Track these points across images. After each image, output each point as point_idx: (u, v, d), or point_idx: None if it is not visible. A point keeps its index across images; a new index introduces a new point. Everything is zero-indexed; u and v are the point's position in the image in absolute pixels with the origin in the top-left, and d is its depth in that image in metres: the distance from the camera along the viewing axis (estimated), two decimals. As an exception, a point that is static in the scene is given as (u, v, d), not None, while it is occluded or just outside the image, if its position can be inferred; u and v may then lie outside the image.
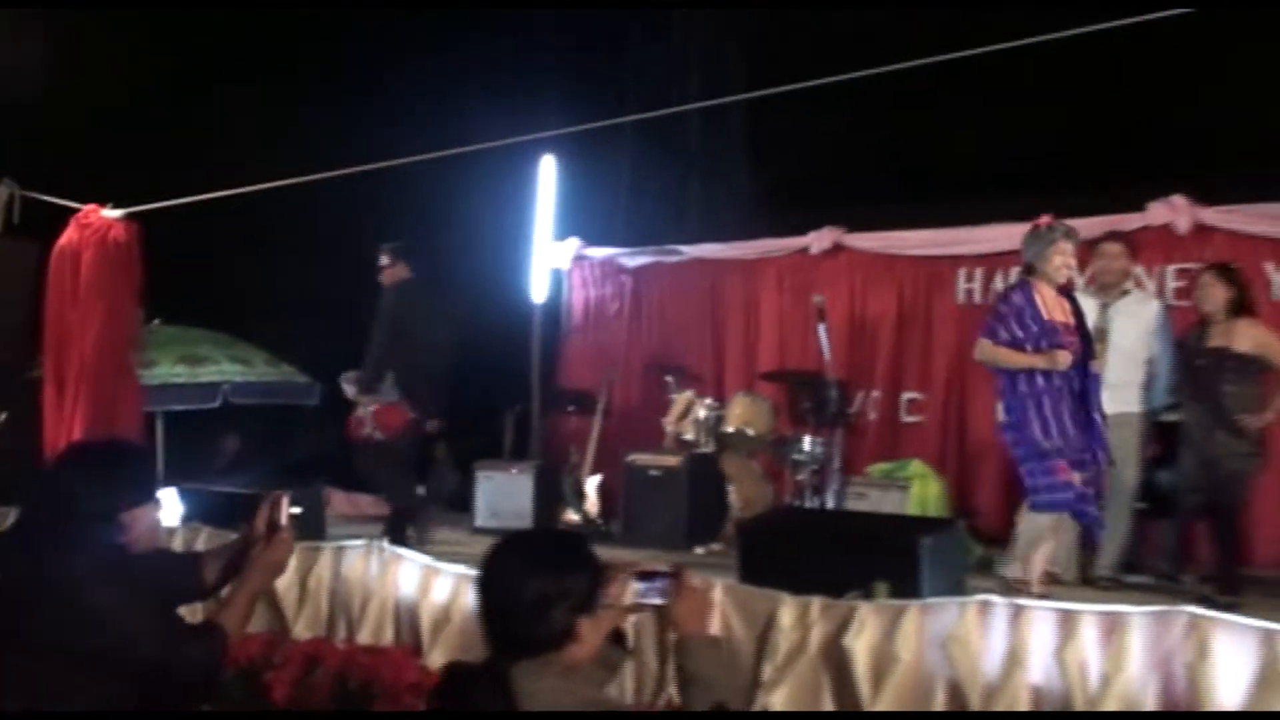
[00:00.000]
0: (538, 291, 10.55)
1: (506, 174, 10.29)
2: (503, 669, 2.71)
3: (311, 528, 7.38)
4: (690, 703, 2.91)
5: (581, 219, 10.85)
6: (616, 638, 3.04)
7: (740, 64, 11.36)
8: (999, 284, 9.16)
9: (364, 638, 6.60)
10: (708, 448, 8.64)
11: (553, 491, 9.10)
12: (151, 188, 8.35)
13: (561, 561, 2.84)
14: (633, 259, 10.72)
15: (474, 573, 6.30)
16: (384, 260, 8.06)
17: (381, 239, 8.14)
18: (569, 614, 2.75)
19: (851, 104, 9.14)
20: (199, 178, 8.20)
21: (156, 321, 10.21)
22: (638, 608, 2.97)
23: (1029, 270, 6.34)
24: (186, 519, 7.80)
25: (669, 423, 8.88)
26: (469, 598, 6.40)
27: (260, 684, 6.37)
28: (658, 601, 2.98)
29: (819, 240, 9.86)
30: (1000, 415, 6.29)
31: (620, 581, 2.92)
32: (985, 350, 6.18)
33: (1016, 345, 6.04)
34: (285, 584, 6.86)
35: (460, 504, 9.15)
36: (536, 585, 2.76)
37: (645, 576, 2.98)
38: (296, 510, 3.58)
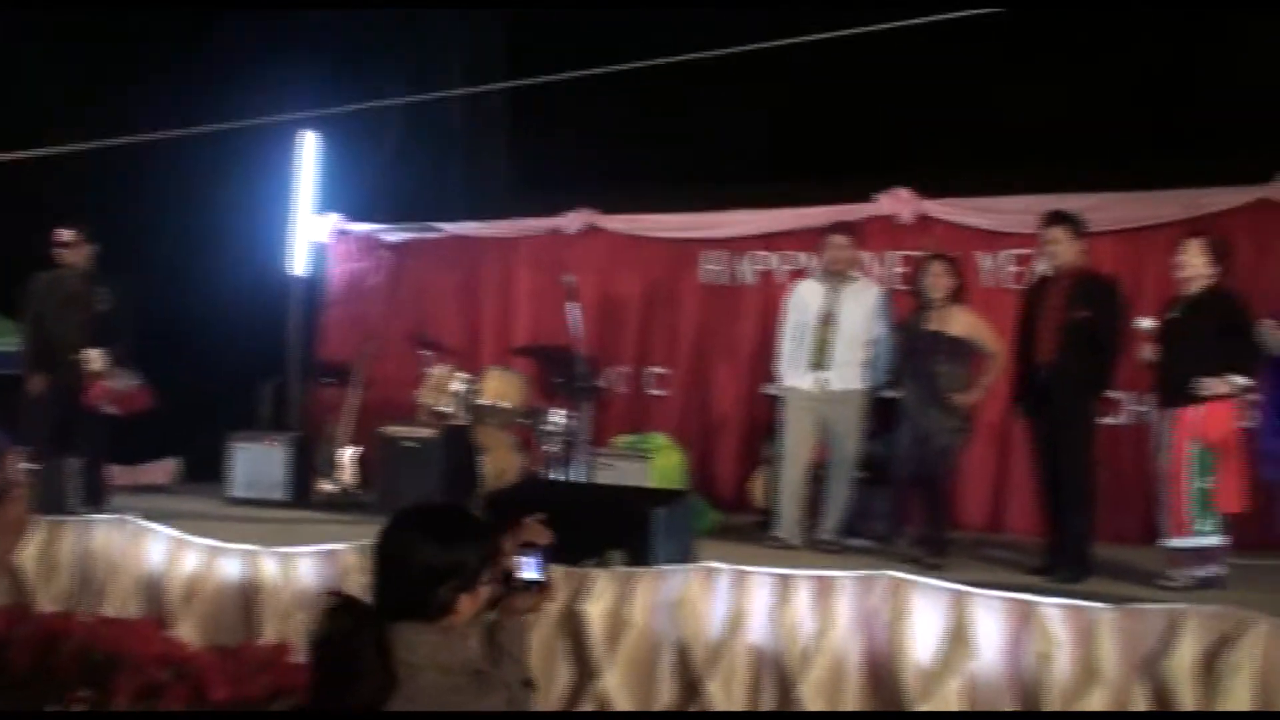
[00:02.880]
0: (297, 265, 10.36)
1: (267, 148, 10.05)
2: (383, 623, 2.78)
3: (52, 502, 7.11)
4: (502, 673, 2.98)
5: (344, 194, 10.68)
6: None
7: (502, 45, 11.32)
8: (743, 266, 9.45)
9: (109, 611, 6.42)
10: (462, 420, 8.65)
11: (309, 462, 8.99)
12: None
13: (456, 538, 2.88)
14: (393, 235, 10.62)
15: (225, 545, 6.29)
16: (70, 238, 7.85)
17: (127, 214, 7.89)
18: (453, 591, 2.82)
19: (607, 90, 9.21)
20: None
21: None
22: (517, 583, 3.02)
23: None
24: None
25: (424, 395, 8.86)
26: (220, 570, 6.30)
27: (3, 658, 6.14)
28: (536, 577, 3.02)
29: (573, 221, 9.96)
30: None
31: (507, 553, 3.00)
32: None
33: None
34: (29, 558, 6.62)
35: (214, 474, 8.93)
36: (428, 558, 2.82)
37: (527, 549, 3.02)
38: (31, 466, 3.45)
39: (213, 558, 6.29)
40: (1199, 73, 8.57)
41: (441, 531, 2.90)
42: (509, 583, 3.02)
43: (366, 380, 9.42)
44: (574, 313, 8.20)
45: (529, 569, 3.03)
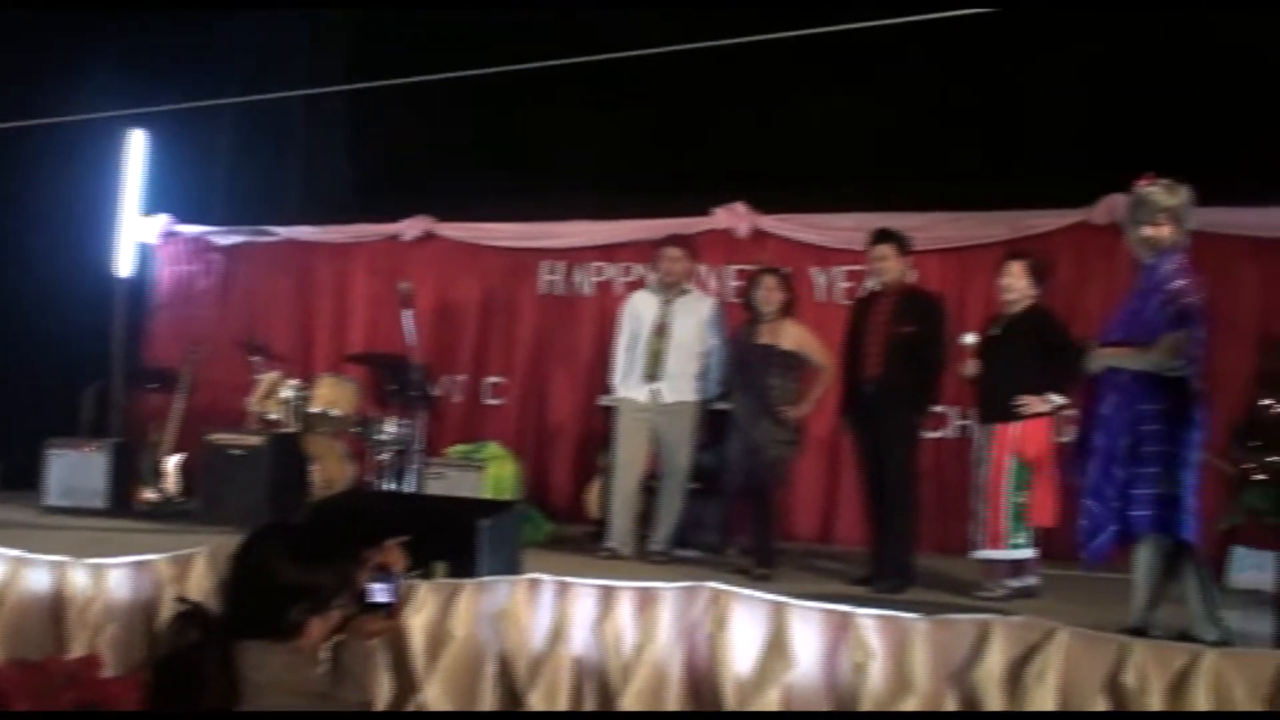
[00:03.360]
0: (123, 266, 10.01)
1: (95, 146, 9.72)
2: (229, 641, 2.71)
3: None
4: (344, 697, 2.91)
5: (176, 195, 10.36)
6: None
7: (344, 48, 11.13)
8: (580, 277, 9.42)
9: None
10: (292, 428, 8.46)
11: (130, 470, 8.68)
12: None
13: (317, 559, 2.83)
14: (225, 238, 10.36)
15: (32, 556, 6.01)
16: None
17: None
18: (306, 612, 2.77)
19: (450, 97, 9.15)
20: None
21: None
22: (368, 607, 2.98)
23: None
24: None
25: (253, 402, 8.65)
26: (25, 582, 6.02)
27: None
28: (387, 600, 2.95)
29: (411, 228, 9.84)
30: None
31: (362, 575, 2.98)
32: None
33: None
34: None
35: (30, 482, 8.58)
36: (286, 576, 2.77)
37: (381, 572, 2.95)
38: None
39: (18, 569, 6.00)
40: (1027, 97, 8.80)
41: (302, 550, 2.84)
42: (361, 605, 2.98)
43: (193, 386, 9.15)
44: (409, 320, 8.07)
45: (381, 593, 2.99)
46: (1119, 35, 8.16)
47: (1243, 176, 6.30)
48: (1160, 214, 5.09)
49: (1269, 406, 6.46)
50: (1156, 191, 5.11)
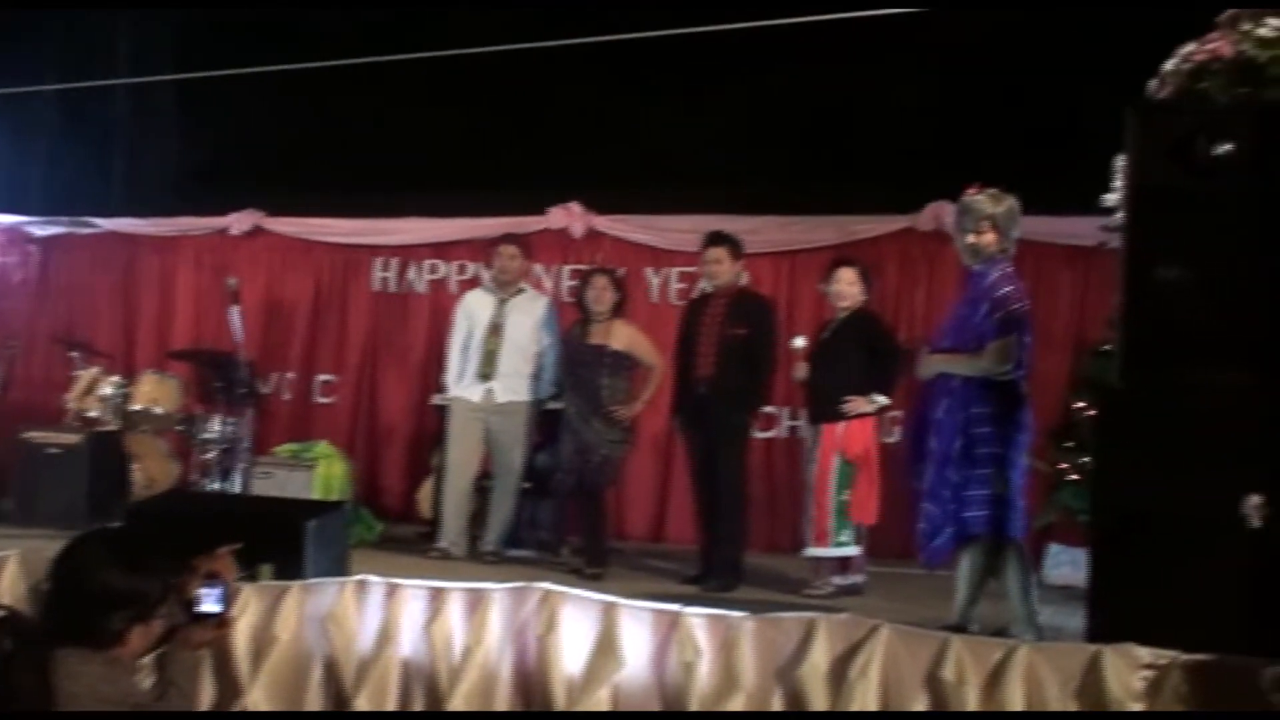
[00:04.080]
0: (-68, 258, 9.57)
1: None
2: (46, 650, 2.61)
3: None
4: (168, 705, 2.83)
5: (-10, 185, 9.95)
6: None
7: (170, 37, 10.79)
8: (411, 275, 9.31)
9: None
10: (112, 425, 8.17)
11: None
12: None
13: (143, 566, 2.74)
14: (43, 229, 9.94)
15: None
16: None
17: None
18: (126, 620, 2.68)
19: (279, 89, 8.96)
20: None
21: None
22: (196, 617, 2.92)
23: None
24: None
25: (71, 399, 8.32)
26: None
27: None
28: (217, 609, 2.82)
29: (239, 222, 9.57)
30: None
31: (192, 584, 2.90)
32: None
33: None
34: None
35: None
36: (108, 582, 2.68)
37: (212, 580, 2.82)
38: None
39: None
40: (858, 105, 8.96)
41: (128, 556, 2.74)
42: (189, 614, 2.87)
43: (7, 382, 8.77)
44: (236, 317, 7.85)
45: (210, 601, 2.88)
46: (948, 45, 8.36)
47: (1063, 186, 6.50)
48: (983, 221, 5.21)
49: (1082, 409, 6.64)
50: (981, 199, 5.25)
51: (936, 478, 5.09)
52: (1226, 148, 4.15)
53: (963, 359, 5.10)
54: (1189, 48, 4.84)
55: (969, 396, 5.06)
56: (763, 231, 8.35)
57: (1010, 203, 5.24)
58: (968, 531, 5.08)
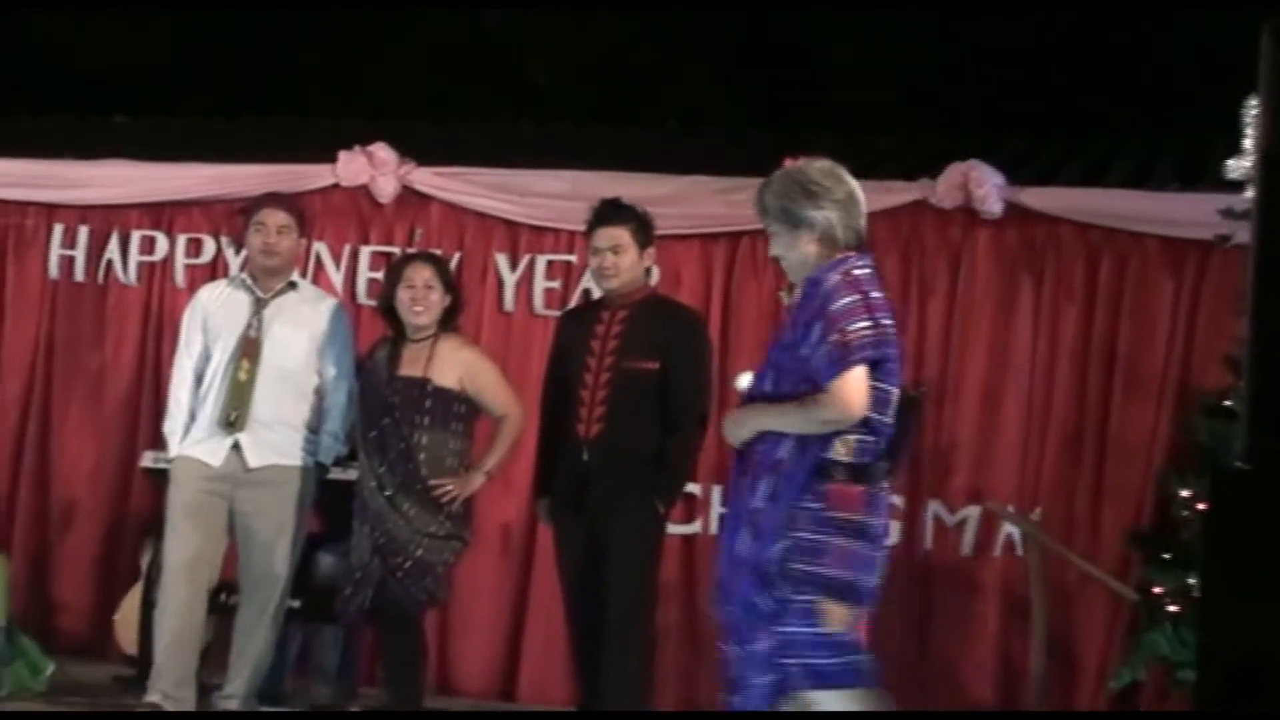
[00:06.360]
0: None
1: None
2: None
3: None
4: None
5: None
6: None
7: None
8: (112, 255, 9.20)
9: None
10: None
11: None
12: None
13: None
14: None
15: None
16: None
17: None
18: None
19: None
20: None
21: None
22: None
23: None
24: None
25: None
26: None
27: None
28: None
29: None
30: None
31: None
32: None
33: None
34: None
35: None
36: None
37: None
38: None
39: None
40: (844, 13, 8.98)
41: None
42: None
43: None
44: None
45: None
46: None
47: (1160, 147, 6.52)
48: (765, 217, 5.24)
49: (1186, 501, 6.67)
50: (763, 186, 5.26)
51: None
52: None
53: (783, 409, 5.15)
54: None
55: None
56: (687, 199, 8.37)
57: (845, 190, 5.19)
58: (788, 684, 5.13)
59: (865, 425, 5.01)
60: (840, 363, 4.96)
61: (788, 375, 5.16)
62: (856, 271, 5.13)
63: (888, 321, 5.09)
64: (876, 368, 5.03)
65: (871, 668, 5.13)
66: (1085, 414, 8.13)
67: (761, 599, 5.04)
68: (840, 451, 4.98)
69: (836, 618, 5.03)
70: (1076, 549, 7.71)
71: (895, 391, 5.11)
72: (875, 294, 5.12)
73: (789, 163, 5.42)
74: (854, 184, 5.20)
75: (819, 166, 5.23)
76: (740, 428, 5.20)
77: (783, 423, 5.10)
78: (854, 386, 4.96)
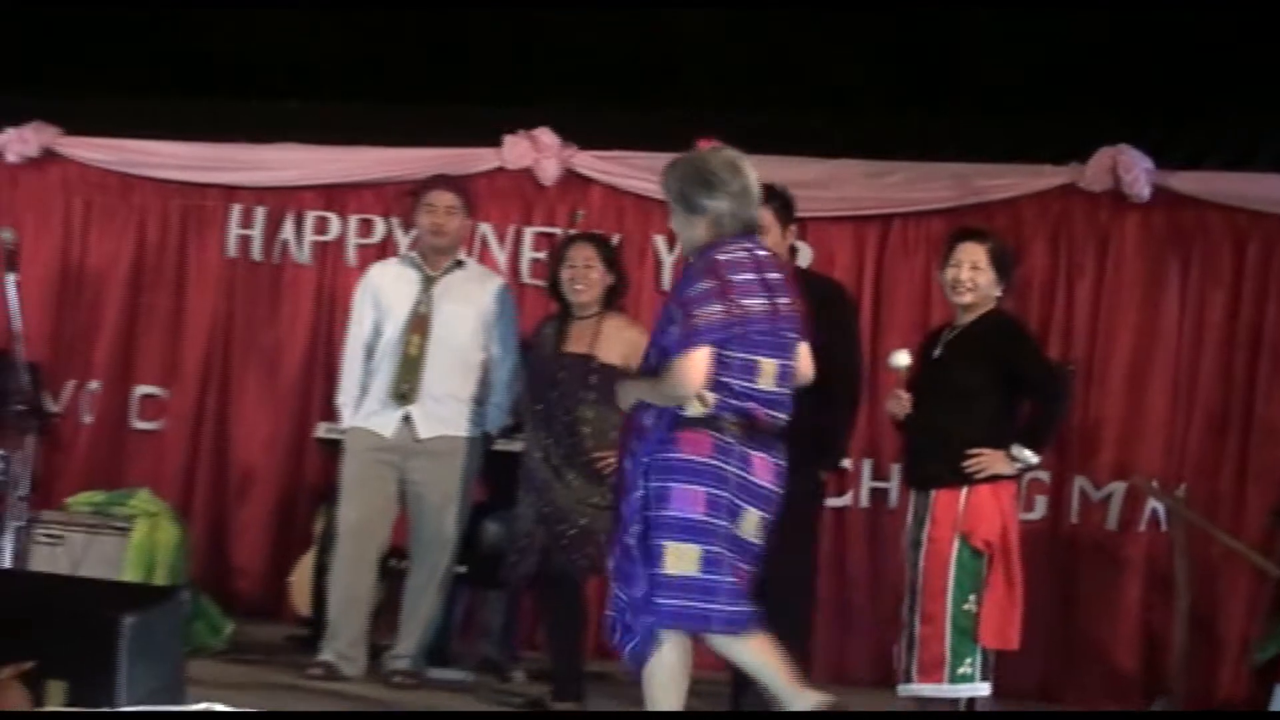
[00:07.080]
0: None
1: None
2: None
3: None
4: None
5: None
6: None
7: None
8: (287, 234, 9.37)
9: None
10: None
11: None
12: None
13: None
14: None
15: None
16: None
17: None
18: None
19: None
20: None
21: None
22: None
23: None
24: None
25: None
26: None
27: None
28: None
29: (19, 142, 9.60)
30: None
31: None
32: None
33: None
34: None
35: None
36: None
37: None
38: None
39: None
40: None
41: None
42: None
43: None
44: (11, 290, 7.81)
45: None
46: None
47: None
48: (667, 195, 5.67)
49: None
50: (668, 166, 5.70)
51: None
52: None
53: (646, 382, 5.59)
54: None
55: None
56: (835, 184, 8.41)
57: (741, 184, 5.51)
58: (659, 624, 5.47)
59: (728, 390, 5.38)
60: (683, 343, 5.36)
61: (661, 351, 5.55)
62: (721, 257, 5.48)
63: (750, 300, 5.42)
64: (734, 342, 5.39)
65: (740, 614, 5.46)
66: (1231, 395, 8.17)
67: (634, 546, 5.44)
68: (697, 411, 5.35)
69: (685, 557, 5.37)
70: (1220, 526, 7.72)
71: (764, 360, 5.44)
72: (739, 276, 5.45)
73: (701, 145, 5.68)
74: (752, 177, 5.57)
75: (722, 157, 5.58)
76: (626, 397, 5.68)
77: (642, 393, 5.58)
78: (692, 365, 5.34)
